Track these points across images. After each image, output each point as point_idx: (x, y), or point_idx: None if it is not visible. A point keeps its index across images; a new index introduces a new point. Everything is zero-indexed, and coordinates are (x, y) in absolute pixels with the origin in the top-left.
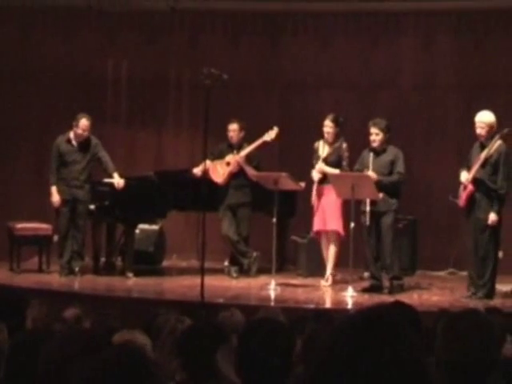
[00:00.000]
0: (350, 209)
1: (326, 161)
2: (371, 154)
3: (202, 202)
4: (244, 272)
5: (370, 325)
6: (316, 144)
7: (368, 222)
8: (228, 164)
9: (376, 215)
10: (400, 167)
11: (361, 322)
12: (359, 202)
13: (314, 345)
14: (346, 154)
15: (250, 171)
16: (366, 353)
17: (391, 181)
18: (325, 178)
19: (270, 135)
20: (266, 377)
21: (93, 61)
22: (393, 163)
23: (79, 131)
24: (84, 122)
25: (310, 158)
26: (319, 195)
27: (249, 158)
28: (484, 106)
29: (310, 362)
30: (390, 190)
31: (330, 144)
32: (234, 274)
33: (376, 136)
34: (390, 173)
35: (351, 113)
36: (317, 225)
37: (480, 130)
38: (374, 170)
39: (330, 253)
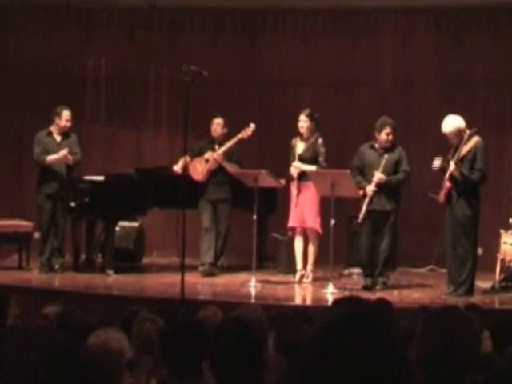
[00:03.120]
0: (330, 206)
1: (302, 157)
2: (375, 153)
3: (181, 199)
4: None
5: (352, 324)
6: (293, 141)
7: (360, 220)
8: (207, 161)
9: (381, 214)
10: (406, 166)
11: (342, 321)
12: (358, 200)
13: (295, 343)
14: (322, 150)
15: (230, 168)
16: (348, 351)
17: (399, 179)
18: (303, 175)
19: (247, 132)
20: (239, 375)
21: (71, 58)
22: (398, 162)
23: (62, 123)
24: (67, 113)
25: (289, 154)
26: (297, 192)
27: (228, 155)
28: (463, 104)
29: (295, 362)
30: (395, 189)
31: (306, 140)
32: (216, 271)
33: (392, 136)
34: (395, 172)
35: (330, 110)
36: (292, 221)
37: (451, 140)
38: (379, 169)
39: (310, 251)
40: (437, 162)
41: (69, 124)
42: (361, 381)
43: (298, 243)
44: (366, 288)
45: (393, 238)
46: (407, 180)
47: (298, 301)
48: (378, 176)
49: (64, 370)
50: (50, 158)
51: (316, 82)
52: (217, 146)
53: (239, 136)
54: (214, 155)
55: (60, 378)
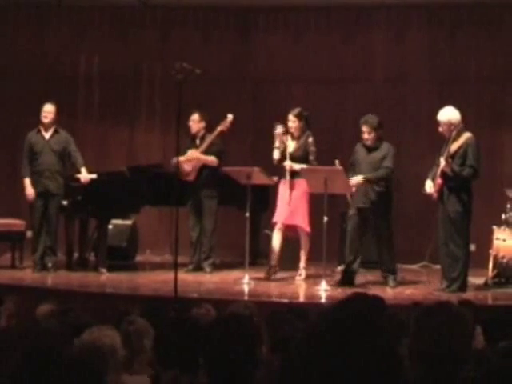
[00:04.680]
0: (323, 203)
1: (293, 156)
2: (364, 151)
3: (175, 197)
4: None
5: (342, 318)
6: (284, 138)
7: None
8: (190, 161)
9: (370, 211)
10: (388, 162)
11: (333, 315)
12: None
13: (288, 340)
14: (312, 149)
15: (208, 160)
16: (340, 344)
17: (377, 176)
18: (295, 173)
19: (225, 124)
20: (232, 372)
21: (64, 56)
22: (383, 160)
23: (43, 115)
24: (47, 107)
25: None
26: (290, 189)
27: (207, 149)
28: (456, 99)
29: (285, 356)
30: (379, 186)
31: (297, 139)
32: (208, 269)
33: (368, 135)
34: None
35: (323, 107)
36: (278, 216)
37: (440, 129)
38: (364, 166)
39: (302, 249)
40: (428, 184)
41: (45, 115)
42: (354, 377)
43: (277, 238)
44: (344, 282)
45: (389, 236)
46: (388, 176)
47: (291, 298)
48: (355, 180)
49: (48, 369)
50: (29, 192)
51: (309, 78)
52: (198, 141)
53: (219, 129)
54: (195, 154)
55: (44, 377)
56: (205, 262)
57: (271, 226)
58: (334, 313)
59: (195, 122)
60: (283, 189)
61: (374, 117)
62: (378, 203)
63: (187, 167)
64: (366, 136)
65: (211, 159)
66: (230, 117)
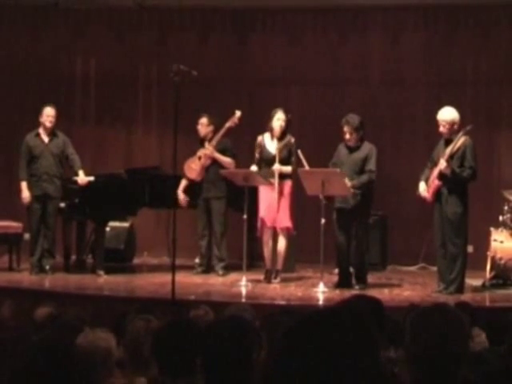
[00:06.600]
0: (321, 205)
1: (281, 158)
2: (346, 151)
3: (172, 199)
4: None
5: (328, 315)
6: (259, 138)
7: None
8: (200, 158)
9: (347, 212)
10: (371, 165)
11: (321, 312)
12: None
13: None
14: (294, 149)
15: (225, 161)
16: (321, 342)
17: (363, 182)
18: (283, 175)
19: (234, 120)
20: (230, 374)
21: (61, 59)
22: (365, 160)
23: (43, 118)
24: (48, 110)
25: (256, 152)
26: (278, 191)
27: (222, 151)
28: (452, 101)
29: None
30: (363, 189)
31: (279, 140)
32: (221, 272)
33: (350, 135)
34: (362, 170)
35: (320, 108)
36: (269, 219)
37: (442, 128)
38: (347, 167)
39: (281, 250)
40: (422, 186)
41: (50, 119)
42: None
43: (267, 242)
44: (341, 284)
45: (363, 239)
46: (372, 180)
47: (288, 300)
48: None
49: (51, 369)
50: (24, 195)
51: (306, 80)
52: (207, 144)
53: (227, 125)
54: (206, 151)
55: (47, 377)
56: (218, 265)
57: (260, 230)
58: (330, 313)
59: (203, 126)
60: (270, 191)
61: (355, 117)
62: (357, 205)
63: (195, 166)
64: (347, 136)
65: (228, 160)
66: (238, 113)
